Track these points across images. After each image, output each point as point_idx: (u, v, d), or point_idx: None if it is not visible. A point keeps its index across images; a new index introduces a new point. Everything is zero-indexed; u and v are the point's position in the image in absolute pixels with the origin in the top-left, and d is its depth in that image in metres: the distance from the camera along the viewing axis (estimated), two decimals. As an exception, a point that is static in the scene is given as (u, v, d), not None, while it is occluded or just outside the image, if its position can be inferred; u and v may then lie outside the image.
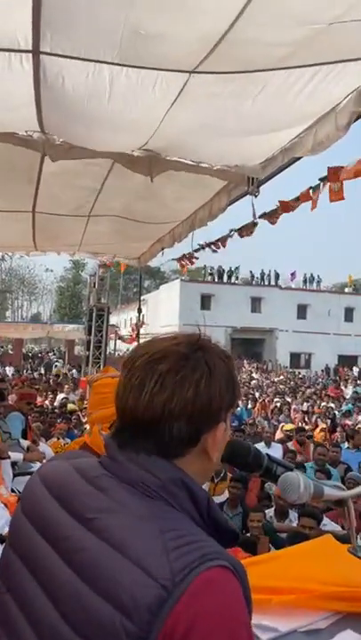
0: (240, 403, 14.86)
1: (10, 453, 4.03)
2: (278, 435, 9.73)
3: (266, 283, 37.96)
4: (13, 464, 4.11)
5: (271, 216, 4.61)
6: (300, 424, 11.69)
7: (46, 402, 12.17)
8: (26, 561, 0.78)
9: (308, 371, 33.34)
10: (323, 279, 41.29)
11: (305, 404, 16.70)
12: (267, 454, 1.08)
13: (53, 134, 3.27)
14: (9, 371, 22.04)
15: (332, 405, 16.95)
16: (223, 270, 36.63)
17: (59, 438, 7.28)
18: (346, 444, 8.55)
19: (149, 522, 0.70)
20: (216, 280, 36.73)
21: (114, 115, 2.91)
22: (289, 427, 9.88)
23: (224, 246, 5.87)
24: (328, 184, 3.84)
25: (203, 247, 6.39)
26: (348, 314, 37.37)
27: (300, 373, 30.88)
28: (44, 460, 4.29)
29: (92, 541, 0.70)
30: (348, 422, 13.28)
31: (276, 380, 26.27)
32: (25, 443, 4.73)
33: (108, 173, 4.11)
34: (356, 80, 2.64)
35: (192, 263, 6.82)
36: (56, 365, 26.29)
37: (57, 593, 0.71)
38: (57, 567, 0.72)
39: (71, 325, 28.10)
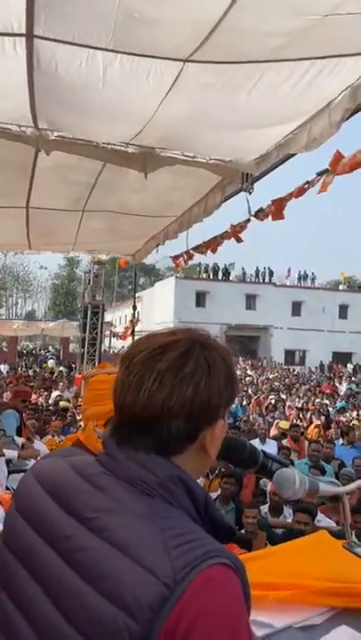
0: (236, 400, 14.87)
1: (4, 451, 4.03)
2: (273, 431, 9.77)
3: (260, 280, 38.04)
4: (8, 461, 4.10)
5: (267, 214, 4.62)
6: (294, 421, 11.73)
7: (40, 399, 12.15)
8: (22, 559, 0.78)
9: (302, 368, 33.46)
10: (317, 276, 41.44)
11: (299, 400, 16.77)
12: (262, 450, 1.08)
13: (46, 125, 3.24)
14: (3, 368, 22.00)
15: (327, 402, 17.03)
16: (218, 267, 36.66)
17: (53, 435, 7.27)
18: (340, 441, 8.59)
19: (149, 520, 0.70)
20: (211, 277, 36.74)
21: (107, 103, 2.89)
22: (284, 424, 9.91)
23: (219, 245, 5.87)
24: (322, 178, 3.85)
25: (201, 246, 6.39)
26: (343, 311, 37.53)
27: (294, 370, 30.99)
28: (39, 458, 4.28)
29: (93, 541, 0.70)
30: (343, 419, 13.35)
31: (270, 376, 26.34)
32: (20, 440, 4.72)
33: (102, 167, 4.08)
34: (350, 77, 2.63)
35: (191, 259, 6.80)
36: (45, 361, 26.30)
37: (57, 592, 0.71)
38: (56, 566, 0.72)
39: (66, 322, 28.04)
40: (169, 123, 3.19)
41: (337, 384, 24.71)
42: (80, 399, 10.02)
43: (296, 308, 36.84)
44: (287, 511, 4.92)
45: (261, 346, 36.32)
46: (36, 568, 0.75)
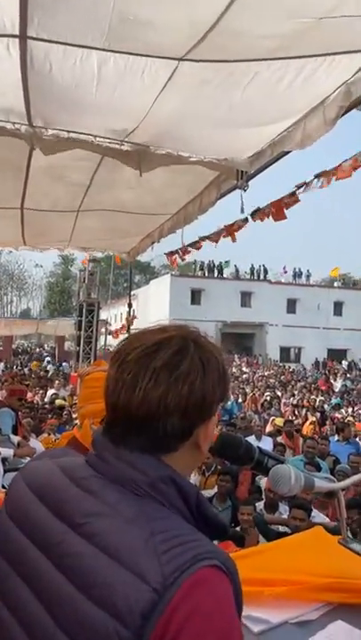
0: (231, 397, 14.93)
1: (0, 449, 4.02)
2: (268, 428, 9.79)
3: (255, 277, 38.09)
4: (4, 460, 4.09)
5: (265, 214, 4.64)
6: (290, 417, 11.77)
7: (36, 397, 12.12)
8: (14, 565, 0.77)
9: (297, 365, 33.54)
10: (312, 273, 41.53)
11: (294, 398, 16.81)
12: (258, 447, 1.09)
13: (41, 125, 3.23)
14: (-1, 366, 21.94)
15: (322, 399, 17.09)
16: (213, 265, 36.65)
17: (49, 434, 7.27)
18: (336, 437, 8.63)
19: (140, 524, 0.69)
20: (206, 275, 36.74)
21: (102, 102, 2.88)
22: (280, 421, 9.95)
23: (217, 241, 5.88)
24: (322, 179, 3.89)
25: (197, 242, 6.39)
26: (338, 308, 37.63)
27: (290, 367, 31.06)
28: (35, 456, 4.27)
29: (84, 547, 0.70)
30: (338, 415, 13.41)
31: (266, 373, 26.40)
32: (15, 438, 4.71)
33: (97, 167, 4.07)
34: (344, 74, 2.64)
35: (187, 253, 6.79)
36: (39, 359, 26.25)
37: (49, 598, 0.70)
38: (48, 572, 0.72)
39: (63, 319, 27.96)
40: (164, 120, 3.18)
41: (332, 381, 24.80)
42: (76, 397, 10.01)
43: (291, 306, 36.90)
44: (283, 507, 4.94)
45: (257, 343, 36.37)
46: (29, 574, 0.74)
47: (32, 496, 0.80)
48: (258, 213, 4.74)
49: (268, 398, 14.99)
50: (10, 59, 2.43)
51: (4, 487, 3.61)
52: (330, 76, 2.62)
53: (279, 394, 17.28)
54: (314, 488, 1.05)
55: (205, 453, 0.82)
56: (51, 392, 12.90)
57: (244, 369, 28.10)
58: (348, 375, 28.12)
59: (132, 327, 11.72)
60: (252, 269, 38.75)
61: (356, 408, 15.87)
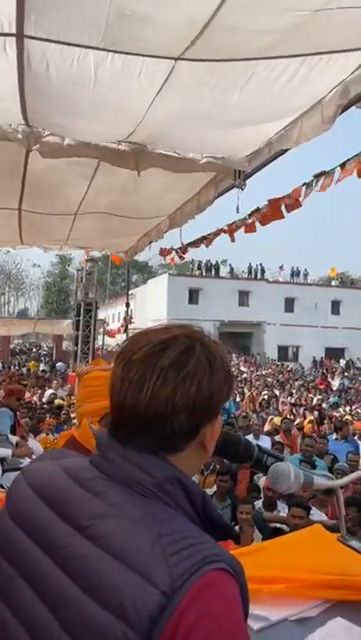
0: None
1: (-2, 449, 4.02)
2: (267, 427, 9.80)
3: (253, 276, 38.11)
4: (2, 460, 4.09)
5: (265, 218, 4.67)
6: (287, 416, 11.78)
7: (34, 397, 12.10)
8: (17, 566, 0.77)
9: (295, 363, 33.58)
10: (310, 272, 41.58)
11: (292, 397, 16.83)
12: (257, 445, 1.09)
13: (38, 126, 3.22)
14: (-4, 366, 21.90)
15: (320, 397, 17.12)
16: (211, 264, 36.66)
17: (48, 434, 7.25)
18: (334, 436, 8.64)
19: (147, 525, 0.69)
20: (204, 274, 36.75)
21: (99, 103, 2.88)
22: (278, 420, 9.95)
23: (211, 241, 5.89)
24: (322, 178, 3.90)
25: (194, 243, 6.40)
26: (335, 307, 37.65)
27: (288, 366, 31.10)
28: (33, 456, 4.28)
29: (90, 549, 0.69)
30: (336, 414, 13.42)
31: (264, 372, 26.43)
32: (14, 438, 4.71)
33: (94, 172, 4.07)
34: (341, 73, 2.64)
35: (185, 252, 6.79)
36: (37, 359, 26.24)
37: (54, 600, 0.70)
38: (53, 574, 0.71)
39: (59, 320, 27.95)
40: (161, 121, 3.18)
41: (330, 379, 24.85)
42: (74, 397, 9.99)
43: (289, 305, 36.92)
44: (281, 506, 4.95)
45: (254, 342, 36.39)
46: (33, 576, 0.74)
47: (35, 497, 0.79)
48: (257, 214, 4.75)
49: (266, 397, 15.01)
50: (7, 59, 2.43)
51: (2, 487, 3.61)
52: (326, 75, 2.62)
53: (277, 393, 17.30)
54: (313, 485, 1.06)
55: (211, 452, 0.82)
56: (49, 392, 12.88)
57: (242, 368, 28.11)
58: (345, 374, 28.18)
59: (130, 327, 11.72)
60: (249, 268, 38.78)
61: (354, 406, 15.90)
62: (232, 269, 38.74)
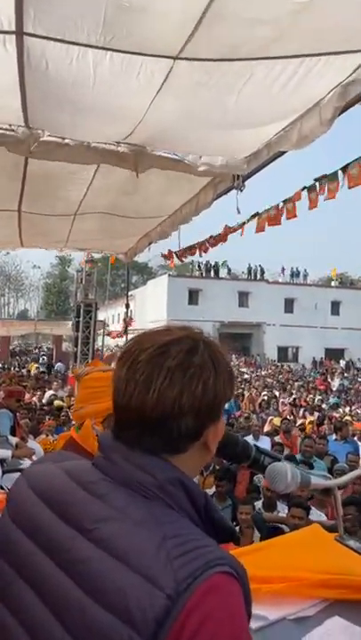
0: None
1: (-2, 450, 4.02)
2: (266, 428, 9.79)
3: (253, 277, 38.11)
4: (2, 461, 4.09)
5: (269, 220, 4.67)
6: (287, 417, 11.78)
7: (34, 399, 12.10)
8: (18, 568, 0.76)
9: (295, 364, 33.57)
10: (309, 273, 41.58)
11: (292, 397, 16.83)
12: (255, 445, 1.09)
13: (38, 127, 3.23)
14: (-4, 368, 21.88)
15: (320, 398, 17.12)
16: (210, 265, 36.66)
17: (47, 435, 7.25)
18: (334, 436, 8.64)
19: (150, 528, 0.69)
20: (203, 275, 36.75)
21: (98, 102, 2.88)
22: (277, 421, 9.95)
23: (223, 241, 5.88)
24: (326, 184, 3.90)
25: (193, 247, 6.41)
26: (335, 307, 37.66)
27: (289, 367, 31.09)
28: (34, 457, 4.28)
29: (94, 552, 0.69)
30: (336, 415, 13.42)
31: (263, 373, 26.42)
32: (14, 440, 4.71)
33: (94, 173, 4.09)
34: (339, 75, 2.65)
35: (188, 255, 6.79)
36: (37, 360, 26.23)
37: (57, 603, 0.70)
38: (55, 577, 0.71)
39: (60, 321, 27.95)
40: (160, 122, 3.19)
41: (330, 380, 24.85)
42: (74, 398, 9.98)
43: (289, 305, 36.92)
44: (280, 506, 4.95)
45: (254, 343, 36.38)
46: (34, 578, 0.74)
47: (36, 499, 0.79)
48: (259, 218, 4.76)
49: (266, 398, 15.00)
50: (7, 56, 2.43)
51: (1, 488, 3.62)
52: (324, 76, 2.63)
53: (277, 393, 17.29)
54: (310, 485, 1.06)
55: (213, 454, 0.82)
56: (49, 393, 12.87)
57: (242, 369, 28.10)
58: (345, 374, 28.18)
59: (129, 328, 11.71)
60: (249, 269, 38.77)
61: (353, 407, 15.90)
62: (229, 270, 38.73)
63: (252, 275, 38.41)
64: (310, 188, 4.15)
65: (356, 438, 8.95)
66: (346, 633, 1.12)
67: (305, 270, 40.74)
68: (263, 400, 14.51)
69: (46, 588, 0.72)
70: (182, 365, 0.75)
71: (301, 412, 13.38)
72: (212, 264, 36.64)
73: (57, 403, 10.56)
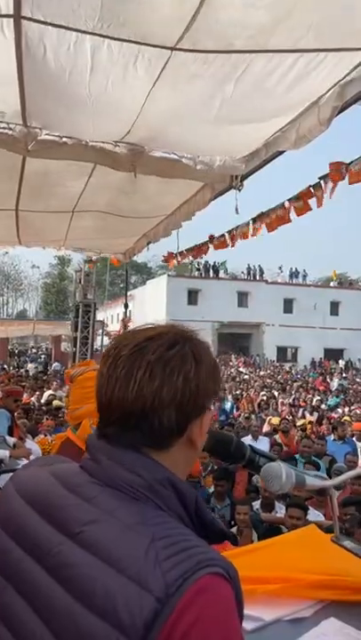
0: (229, 397, 14.93)
1: (-4, 451, 4.01)
2: (265, 428, 9.80)
3: (252, 277, 38.14)
4: (0, 461, 4.09)
5: (271, 223, 4.66)
6: (286, 417, 11.79)
7: (32, 399, 12.09)
8: (8, 576, 0.75)
9: (294, 364, 33.60)
10: (308, 273, 41.61)
11: (291, 397, 16.85)
12: (250, 445, 1.09)
13: (35, 121, 3.21)
14: (-5, 368, 21.85)
15: (319, 398, 17.13)
16: (210, 265, 36.67)
17: (46, 435, 7.24)
18: (332, 437, 8.64)
19: (139, 530, 0.68)
20: (203, 275, 36.77)
21: (95, 93, 2.86)
22: (276, 420, 9.96)
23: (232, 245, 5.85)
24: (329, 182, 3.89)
25: (192, 249, 6.40)
26: (334, 308, 37.69)
27: (289, 366, 31.11)
28: (31, 457, 4.27)
29: (82, 556, 0.68)
30: (335, 415, 13.43)
31: (262, 373, 26.42)
32: (11, 440, 4.70)
33: (92, 171, 4.08)
34: (337, 73, 2.64)
35: (192, 257, 6.77)
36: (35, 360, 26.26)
37: (47, 610, 0.69)
38: (45, 584, 0.70)
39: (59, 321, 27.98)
40: (158, 116, 3.17)
41: (328, 380, 24.85)
42: (72, 398, 9.95)
43: (288, 306, 36.95)
44: (278, 506, 4.95)
45: (253, 343, 36.41)
46: (24, 585, 0.73)
47: (24, 504, 0.78)
48: (263, 218, 4.75)
49: (265, 398, 15.00)
50: (5, 41, 2.41)
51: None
52: (322, 73, 2.62)
53: (276, 393, 17.30)
54: (305, 485, 1.05)
55: (200, 451, 0.81)
56: (48, 393, 12.86)
57: (241, 369, 28.10)
58: (344, 375, 28.20)
59: (128, 328, 11.69)
60: (248, 269, 38.79)
61: (352, 407, 15.90)
62: (226, 271, 38.76)
63: (252, 275, 38.42)
64: (315, 186, 4.14)
65: (354, 439, 8.96)
66: (341, 634, 1.11)
67: (304, 271, 40.79)
68: (262, 400, 14.52)
69: (36, 594, 0.71)
70: (162, 359, 0.75)
71: (301, 412, 13.38)
72: (212, 264, 36.64)
73: (56, 403, 10.55)
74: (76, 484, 0.76)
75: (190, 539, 0.69)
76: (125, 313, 11.24)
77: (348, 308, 37.01)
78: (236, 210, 4.05)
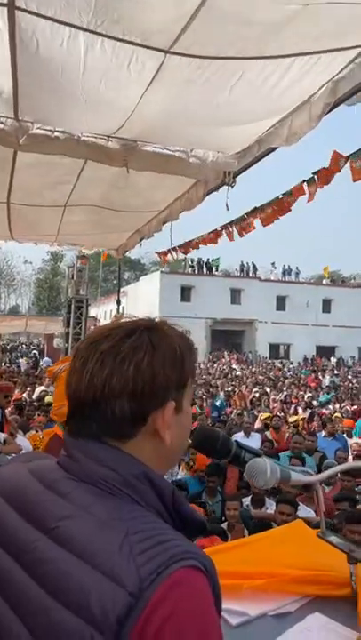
0: (221, 394, 14.96)
1: (-14, 446, 4.00)
2: (257, 424, 9.83)
3: (245, 274, 38.19)
4: (-11, 457, 4.08)
5: (266, 218, 4.65)
6: (278, 414, 11.83)
7: (24, 394, 12.04)
8: None
9: (286, 361, 33.73)
10: (301, 271, 41.75)
11: (283, 394, 16.91)
12: (235, 441, 1.09)
13: (27, 115, 3.18)
14: (-14, 364, 21.73)
15: (311, 395, 17.21)
16: (203, 262, 36.67)
17: (37, 431, 7.23)
18: (323, 433, 8.70)
19: (114, 525, 0.67)
20: (196, 272, 36.77)
21: (88, 91, 2.84)
22: (266, 415, 10.00)
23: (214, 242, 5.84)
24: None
25: (187, 244, 6.39)
26: (326, 305, 37.85)
27: (281, 363, 31.22)
28: (23, 451, 4.26)
29: (57, 552, 0.67)
30: (326, 411, 13.50)
31: (254, 370, 26.48)
32: (2, 436, 4.69)
33: (83, 164, 4.05)
34: (330, 71, 2.64)
35: (186, 251, 6.75)
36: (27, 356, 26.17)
37: (24, 607, 0.68)
38: (21, 580, 0.69)
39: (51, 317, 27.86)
40: (151, 116, 3.17)
41: (320, 377, 24.97)
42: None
43: (280, 303, 37.07)
44: (269, 502, 4.97)
45: (246, 340, 36.49)
46: (1, 583, 0.72)
47: (3, 502, 0.78)
48: (257, 213, 4.74)
49: (257, 395, 15.04)
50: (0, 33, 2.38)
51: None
52: (315, 73, 2.62)
53: (268, 390, 17.35)
54: (290, 481, 1.06)
55: (171, 446, 0.79)
56: (40, 389, 12.81)
57: (234, 366, 28.16)
58: (335, 372, 28.34)
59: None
60: (241, 266, 38.84)
61: (343, 404, 15.98)
62: (218, 268, 38.78)
63: (245, 272, 38.47)
64: (309, 181, 4.14)
65: (345, 435, 9.02)
66: (326, 629, 1.12)
67: (297, 268, 40.93)
68: (255, 397, 14.55)
69: (12, 591, 0.70)
70: (114, 348, 0.76)
71: (293, 408, 13.43)
72: (205, 261, 36.65)
73: (48, 399, 10.51)
74: (52, 480, 0.76)
75: (166, 532, 0.69)
76: (118, 309, 11.19)
77: (340, 306, 37.17)
78: (227, 206, 4.05)
